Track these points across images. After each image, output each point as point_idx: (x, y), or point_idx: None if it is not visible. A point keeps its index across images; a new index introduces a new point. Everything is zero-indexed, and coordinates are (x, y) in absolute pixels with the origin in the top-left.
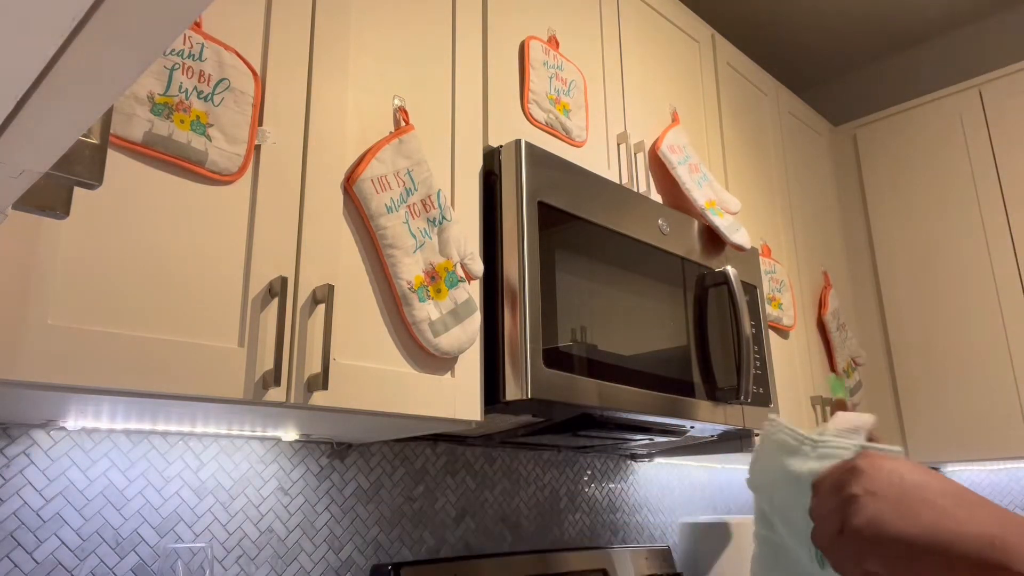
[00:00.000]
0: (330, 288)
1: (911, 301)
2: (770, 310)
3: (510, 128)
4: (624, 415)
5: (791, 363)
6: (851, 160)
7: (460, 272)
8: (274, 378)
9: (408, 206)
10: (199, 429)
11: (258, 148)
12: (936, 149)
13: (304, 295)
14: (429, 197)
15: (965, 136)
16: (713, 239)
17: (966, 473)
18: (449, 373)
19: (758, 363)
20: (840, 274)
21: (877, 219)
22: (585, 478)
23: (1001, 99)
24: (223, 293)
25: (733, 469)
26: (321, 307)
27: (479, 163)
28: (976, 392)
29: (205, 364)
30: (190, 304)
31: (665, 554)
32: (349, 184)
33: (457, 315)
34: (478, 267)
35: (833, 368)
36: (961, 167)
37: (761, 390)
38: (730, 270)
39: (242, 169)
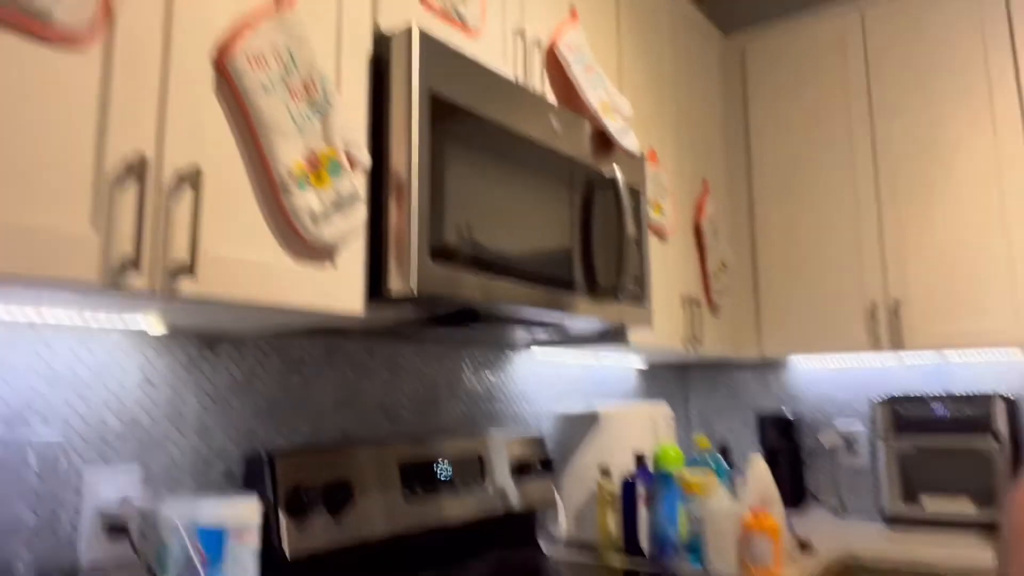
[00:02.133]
0: (197, 170)
1: (779, 208)
2: (652, 214)
3: (402, 10)
4: (507, 309)
5: (665, 265)
6: (738, 71)
7: (344, 161)
8: (134, 263)
9: (288, 87)
10: (51, 319)
11: (111, 8)
12: (817, 66)
13: (168, 177)
14: (312, 79)
15: (846, 56)
16: (603, 141)
17: (811, 366)
18: (330, 264)
19: (638, 265)
20: (718, 181)
21: (755, 129)
22: (466, 370)
23: (881, 24)
24: (70, 170)
25: (608, 366)
26: (188, 191)
27: (367, 48)
28: (825, 292)
29: (51, 246)
30: (30, 180)
31: (538, 442)
32: (221, 57)
33: (339, 205)
34: (364, 156)
35: (704, 268)
36: (837, 86)
37: (638, 289)
38: (618, 173)
39: (93, 30)
